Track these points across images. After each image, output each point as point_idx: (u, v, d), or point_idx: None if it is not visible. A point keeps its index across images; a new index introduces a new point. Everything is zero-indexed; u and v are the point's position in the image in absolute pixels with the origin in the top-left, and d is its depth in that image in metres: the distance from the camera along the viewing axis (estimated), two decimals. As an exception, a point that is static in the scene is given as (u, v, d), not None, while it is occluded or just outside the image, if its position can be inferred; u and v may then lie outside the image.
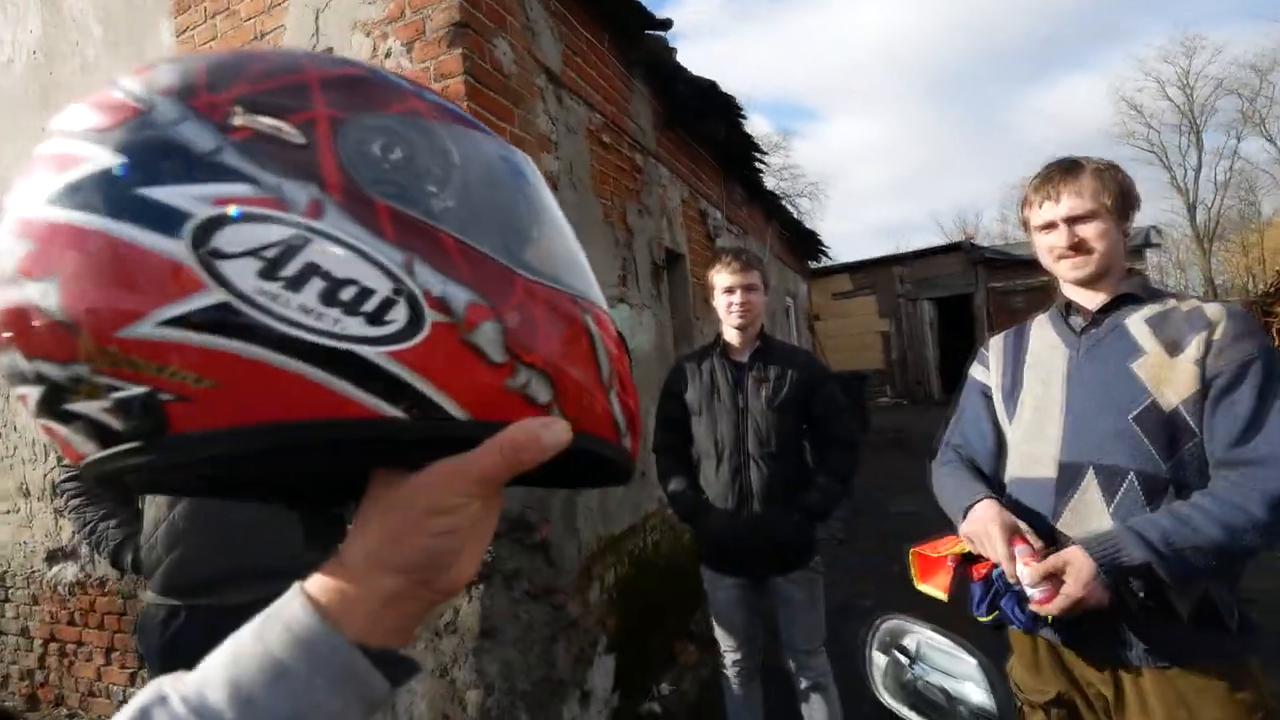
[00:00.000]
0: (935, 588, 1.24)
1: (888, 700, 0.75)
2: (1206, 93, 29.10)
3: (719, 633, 2.04)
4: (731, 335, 1.99)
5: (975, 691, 0.64)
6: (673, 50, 3.52)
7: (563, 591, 2.26)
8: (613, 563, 2.83)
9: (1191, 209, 29.41)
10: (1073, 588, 1.02)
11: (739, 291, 1.93)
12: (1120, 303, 1.19)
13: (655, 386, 2.25)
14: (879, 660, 0.76)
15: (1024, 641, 1.25)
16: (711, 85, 3.91)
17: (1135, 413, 1.09)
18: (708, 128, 4.53)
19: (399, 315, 0.30)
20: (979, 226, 36.14)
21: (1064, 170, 1.21)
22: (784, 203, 8.39)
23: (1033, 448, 1.22)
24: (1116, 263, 1.20)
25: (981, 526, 1.16)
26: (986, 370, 1.39)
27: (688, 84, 3.83)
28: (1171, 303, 1.16)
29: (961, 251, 13.63)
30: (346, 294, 0.29)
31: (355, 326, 0.29)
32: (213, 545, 1.51)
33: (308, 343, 0.29)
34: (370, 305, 0.30)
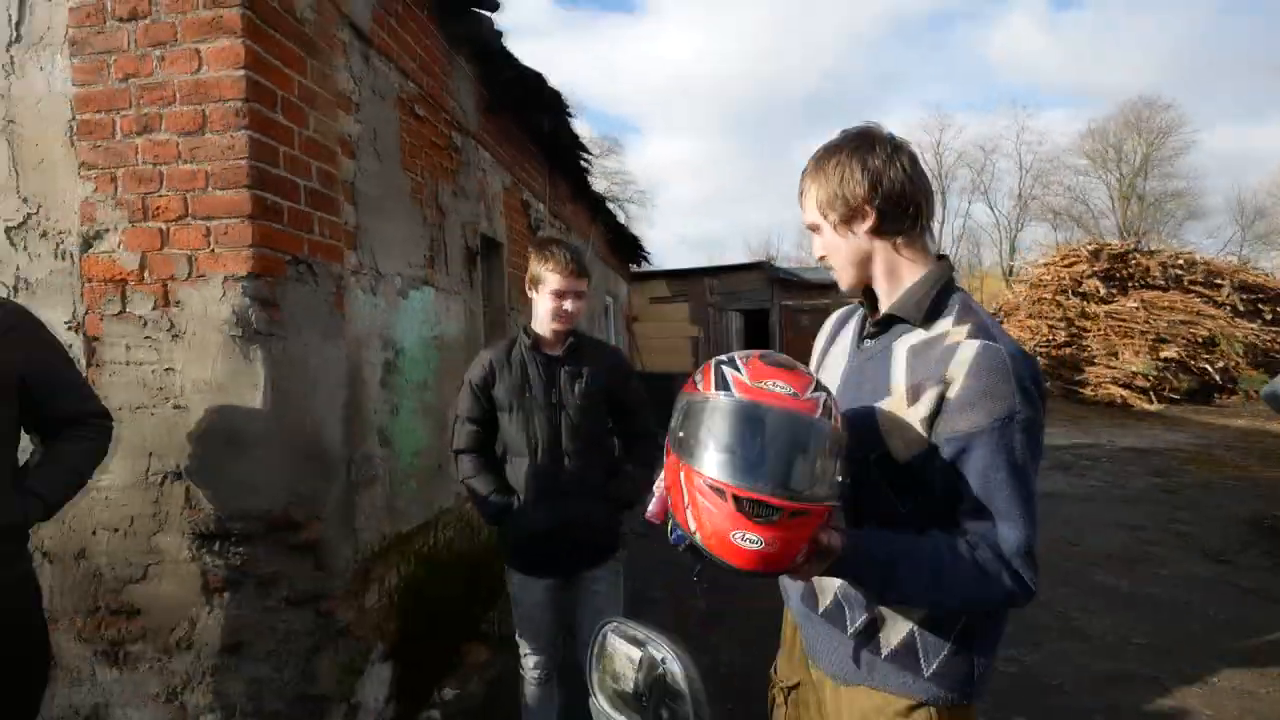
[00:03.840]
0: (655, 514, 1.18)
1: (603, 706, 0.74)
2: (951, 161, 36.11)
3: (524, 636, 1.98)
4: (547, 331, 1.91)
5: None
6: (499, 33, 3.40)
7: (331, 597, 2.06)
8: (397, 563, 2.64)
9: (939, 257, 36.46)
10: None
11: (570, 299, 1.86)
12: (894, 320, 1.06)
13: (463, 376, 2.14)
14: (598, 664, 0.76)
15: (789, 631, 1.26)
16: (539, 76, 3.85)
17: (874, 456, 1.00)
18: (534, 119, 4.46)
19: None
20: (780, 250, 40.49)
21: (807, 170, 1.06)
22: (612, 205, 8.56)
23: None
24: (869, 268, 1.07)
25: None
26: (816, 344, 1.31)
27: (515, 71, 3.73)
28: (944, 326, 1.00)
29: (762, 270, 15.07)
30: None
31: None
32: None
33: None
34: None
